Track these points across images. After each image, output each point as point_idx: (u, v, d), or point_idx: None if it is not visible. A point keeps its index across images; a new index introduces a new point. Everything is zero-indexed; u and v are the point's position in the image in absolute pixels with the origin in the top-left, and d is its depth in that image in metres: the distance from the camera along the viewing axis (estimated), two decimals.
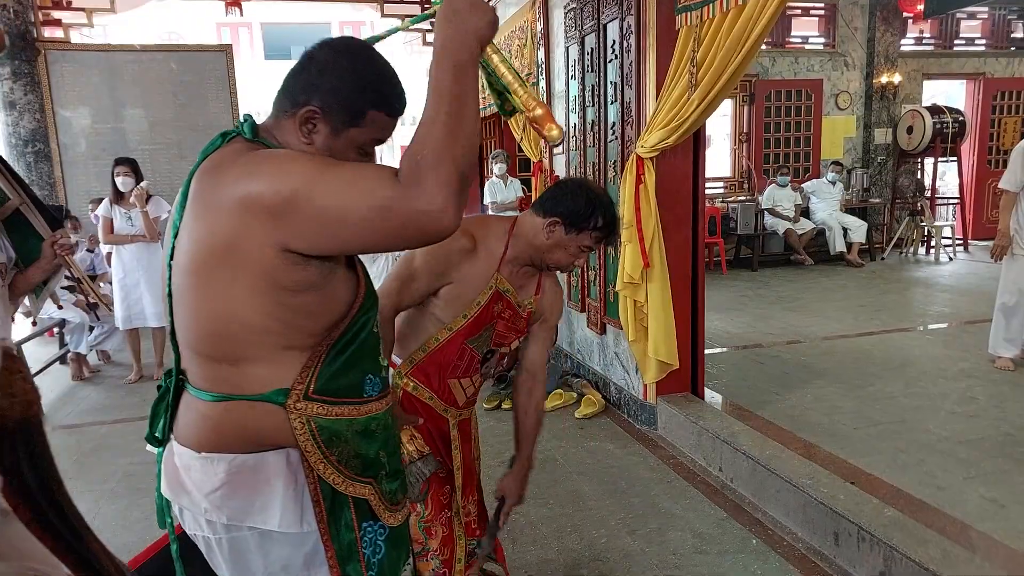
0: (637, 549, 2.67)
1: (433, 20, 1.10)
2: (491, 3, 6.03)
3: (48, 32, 7.43)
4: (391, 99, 1.18)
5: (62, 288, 5.14)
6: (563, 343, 5.03)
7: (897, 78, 9.36)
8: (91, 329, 5.57)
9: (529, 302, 1.90)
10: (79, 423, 4.53)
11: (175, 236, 1.14)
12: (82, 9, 7.49)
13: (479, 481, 2.12)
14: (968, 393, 3.89)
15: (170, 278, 1.15)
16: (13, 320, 2.85)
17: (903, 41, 9.62)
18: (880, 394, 3.93)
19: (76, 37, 7.70)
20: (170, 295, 1.16)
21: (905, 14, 9.11)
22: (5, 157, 7.07)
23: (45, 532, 0.61)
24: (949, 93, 11.46)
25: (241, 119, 1.18)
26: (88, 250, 5.98)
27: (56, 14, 7.49)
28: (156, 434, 1.24)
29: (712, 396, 3.82)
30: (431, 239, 1.04)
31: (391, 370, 1.83)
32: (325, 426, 1.14)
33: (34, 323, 5.50)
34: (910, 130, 9.25)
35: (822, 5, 9.32)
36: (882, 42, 9.29)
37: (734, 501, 3.00)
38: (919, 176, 9.65)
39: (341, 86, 1.12)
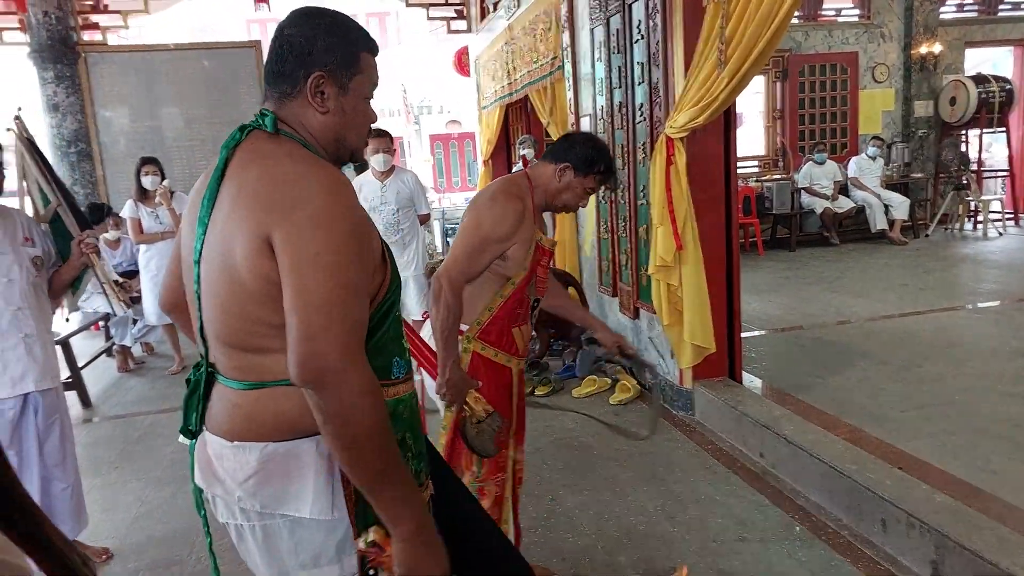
0: (677, 536, 2.63)
1: None
2: (517, 6, 5.95)
3: (87, 36, 7.57)
4: (369, 37, 1.24)
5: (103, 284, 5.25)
6: None
7: (938, 48, 9.03)
8: (135, 322, 5.70)
9: (550, 240, 2.13)
10: (126, 413, 4.66)
11: (203, 233, 1.15)
12: (118, 11, 7.62)
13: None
14: (1023, 373, 3.74)
15: (198, 274, 1.17)
16: (56, 311, 2.95)
17: (943, 9, 9.26)
18: (927, 376, 3.81)
19: (113, 39, 7.85)
20: (197, 291, 1.18)
21: None
22: (50, 158, 7.23)
23: (3, 522, 0.61)
24: (995, 61, 11.03)
25: (260, 113, 1.19)
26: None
27: (94, 17, 7.63)
28: (190, 427, 1.26)
29: (751, 380, 3.74)
30: (291, 371, 1.04)
31: (457, 336, 1.97)
32: None
33: (66, 319, 5.60)
34: (953, 101, 8.93)
35: None
36: (921, 11, 8.96)
37: (776, 487, 2.93)
38: (964, 149, 9.32)
39: (332, 43, 1.17)
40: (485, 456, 1.96)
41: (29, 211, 2.88)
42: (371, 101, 1.26)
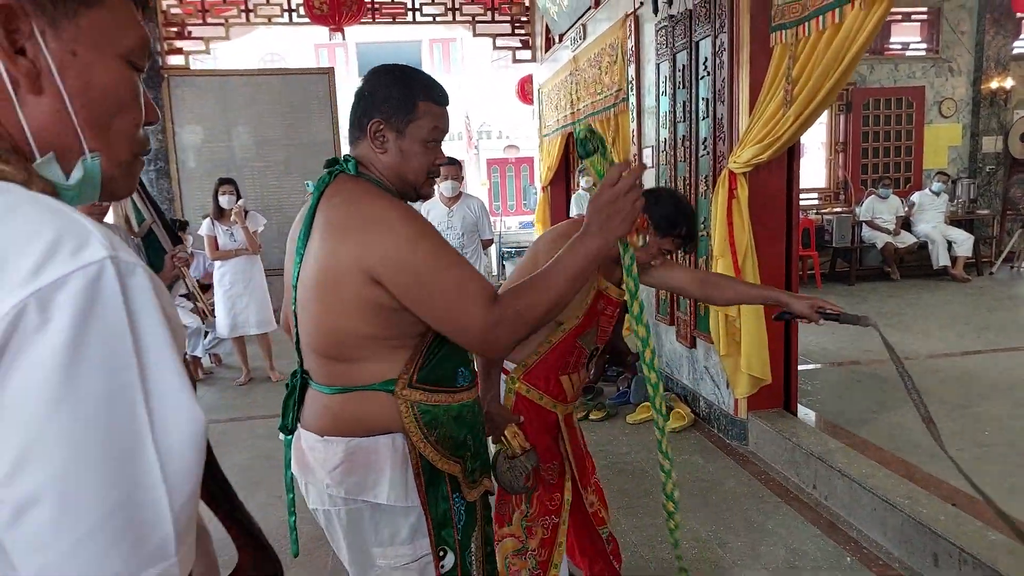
0: (729, 562, 2.70)
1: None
2: (582, 39, 6.16)
3: (171, 60, 8.08)
4: (433, 88, 1.38)
5: (180, 295, 5.59)
6: None
7: (1009, 83, 8.88)
8: (206, 334, 6.01)
9: (619, 291, 2.02)
10: None
11: (299, 261, 1.36)
12: (201, 38, 8.10)
13: (593, 470, 2.25)
14: None
15: (295, 297, 1.38)
16: None
17: (1016, 43, 9.12)
18: (986, 416, 3.78)
19: (194, 63, 8.34)
20: (295, 310, 1.39)
21: (1019, 15, 8.65)
22: None
23: (210, 500, 0.76)
24: None
25: (344, 159, 1.40)
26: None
27: (178, 43, 8.14)
28: (287, 424, 1.46)
29: (805, 413, 3.78)
30: (472, 351, 1.34)
31: (503, 376, 1.99)
32: (426, 410, 1.33)
33: None
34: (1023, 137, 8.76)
35: (924, 10, 8.96)
36: (992, 45, 8.84)
37: (828, 519, 2.97)
38: None
39: (390, 93, 1.34)
40: (512, 492, 1.92)
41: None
42: (437, 143, 1.40)
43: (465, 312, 1.22)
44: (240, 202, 5.52)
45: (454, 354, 1.38)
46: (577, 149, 1.31)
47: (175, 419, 0.56)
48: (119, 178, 0.70)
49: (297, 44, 18.78)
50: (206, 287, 6.07)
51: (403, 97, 1.34)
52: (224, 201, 5.48)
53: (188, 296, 5.73)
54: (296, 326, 1.40)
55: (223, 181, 5.59)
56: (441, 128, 1.39)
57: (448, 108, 1.42)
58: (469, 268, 1.27)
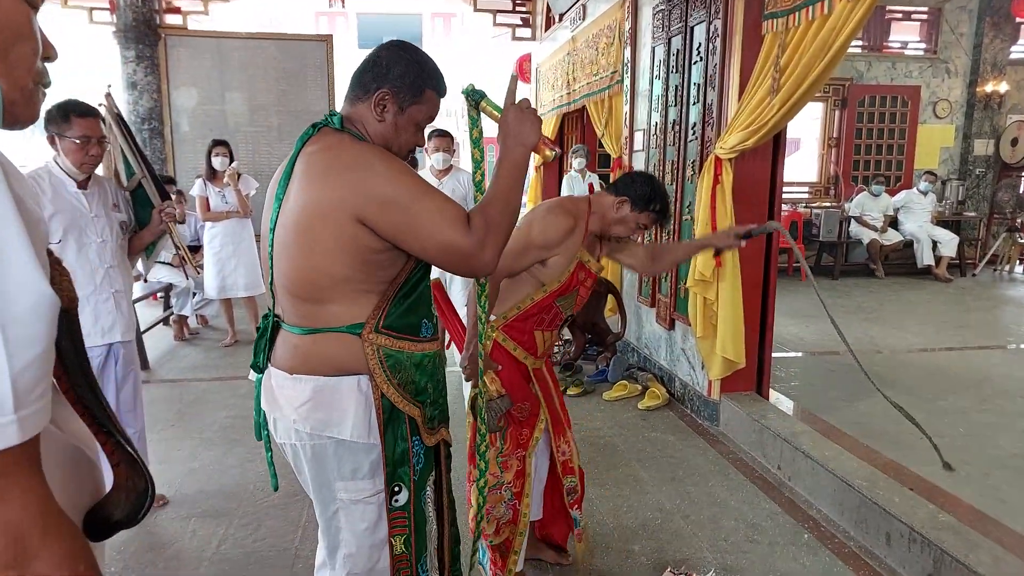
0: (689, 532, 2.79)
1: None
2: (582, 19, 6.16)
3: (168, 19, 8.01)
4: (440, 80, 1.53)
5: (169, 254, 5.60)
6: (631, 337, 5.14)
7: (1004, 87, 8.95)
8: (194, 295, 6.05)
9: (598, 265, 2.30)
10: (180, 378, 4.96)
11: (279, 206, 1.43)
12: None
13: (568, 426, 2.42)
14: None
15: (272, 241, 1.45)
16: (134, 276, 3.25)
17: (1014, 48, 9.16)
18: (952, 408, 3.88)
19: (192, 23, 8.27)
20: (271, 253, 1.46)
21: (1018, 19, 8.69)
22: None
23: (79, 404, 0.79)
24: None
25: (329, 113, 1.50)
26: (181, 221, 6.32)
27: (176, 2, 8.06)
28: (259, 363, 1.55)
29: (777, 398, 3.86)
30: (466, 275, 1.42)
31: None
32: (390, 354, 1.43)
33: (144, 280, 5.97)
34: (1015, 142, 8.84)
35: (925, 9, 8.99)
36: (990, 49, 8.90)
37: (790, 498, 3.07)
38: (1021, 191, 9.21)
39: (406, 71, 1.46)
40: (490, 431, 2.13)
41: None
42: (423, 129, 1.55)
43: (450, 231, 1.33)
44: (234, 164, 5.53)
45: (421, 305, 1.50)
46: (471, 97, 1.52)
47: (17, 290, 0.61)
48: (20, 104, 0.73)
49: (297, 11, 18.57)
50: (196, 249, 6.08)
51: (416, 80, 1.47)
52: (217, 163, 5.49)
53: (176, 253, 5.73)
54: (272, 269, 1.48)
55: (217, 143, 5.59)
56: (433, 117, 1.54)
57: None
58: (445, 196, 1.39)
